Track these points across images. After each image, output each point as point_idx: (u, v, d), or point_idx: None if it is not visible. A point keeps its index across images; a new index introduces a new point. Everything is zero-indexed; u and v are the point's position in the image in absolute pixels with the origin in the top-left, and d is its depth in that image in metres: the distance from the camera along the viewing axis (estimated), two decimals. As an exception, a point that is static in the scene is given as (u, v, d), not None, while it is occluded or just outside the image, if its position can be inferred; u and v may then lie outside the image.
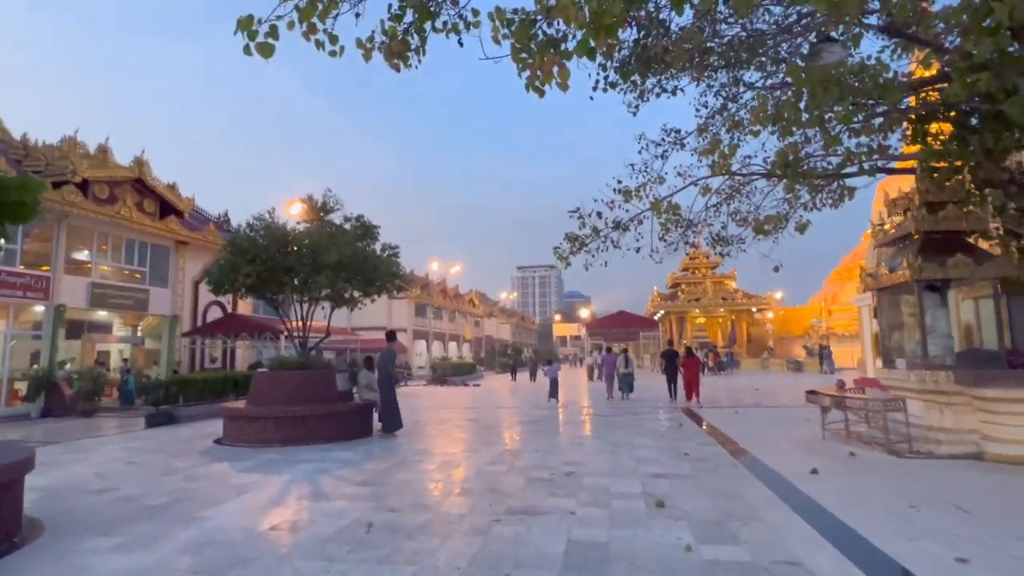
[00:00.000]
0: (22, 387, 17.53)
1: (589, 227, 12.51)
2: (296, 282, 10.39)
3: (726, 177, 11.98)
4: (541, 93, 5.42)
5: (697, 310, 49.76)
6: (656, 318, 49.75)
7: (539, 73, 4.94)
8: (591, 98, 9.78)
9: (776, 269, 12.10)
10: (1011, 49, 6.94)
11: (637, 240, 12.66)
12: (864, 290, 9.95)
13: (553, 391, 17.65)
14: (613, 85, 9.83)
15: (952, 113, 8.62)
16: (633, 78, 10.99)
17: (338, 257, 10.05)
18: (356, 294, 11.42)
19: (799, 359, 37.54)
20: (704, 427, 10.81)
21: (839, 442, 8.62)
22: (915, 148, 8.76)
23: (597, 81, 9.66)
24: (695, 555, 4.04)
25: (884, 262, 8.82)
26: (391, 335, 11.56)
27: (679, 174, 12.32)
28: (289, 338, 11.44)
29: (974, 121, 8.36)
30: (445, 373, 31.29)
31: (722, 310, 50.03)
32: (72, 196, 19.13)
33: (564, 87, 4.57)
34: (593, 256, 12.76)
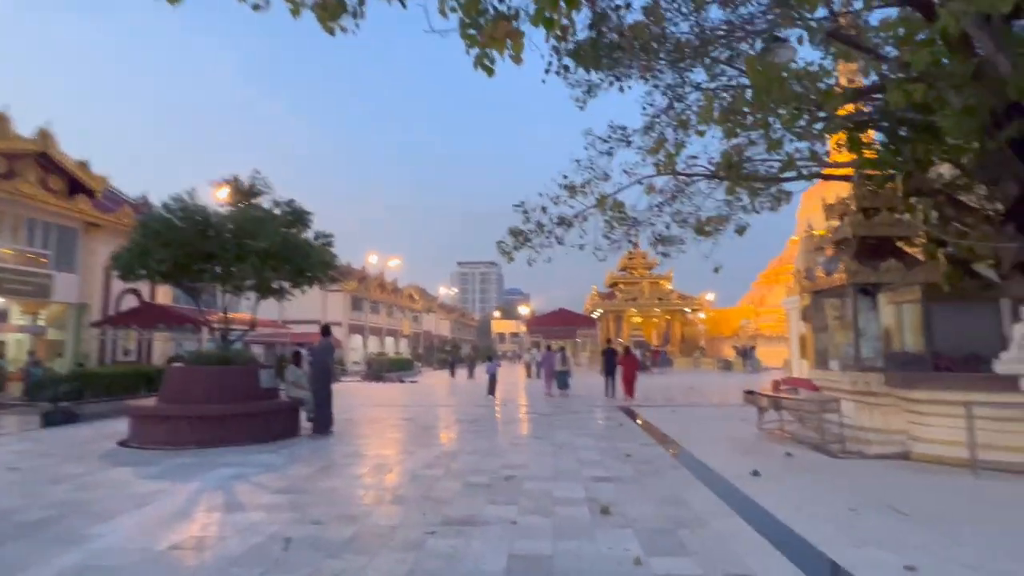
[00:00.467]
0: None
1: (534, 222, 12.27)
2: (218, 270, 9.55)
3: (670, 176, 12.00)
4: (490, 71, 5.05)
5: (634, 309, 50.80)
6: (594, 316, 50.43)
7: (488, 51, 4.56)
8: (543, 81, 9.52)
9: (716, 270, 12.23)
10: (944, 62, 7.13)
11: (581, 237, 12.53)
12: (800, 292, 10.16)
13: (491, 388, 18.00)
14: (567, 68, 9.62)
15: (885, 123, 8.88)
16: (585, 66, 10.89)
17: (265, 243, 9.31)
18: (285, 284, 10.67)
19: (728, 359, 38.92)
20: (644, 426, 10.76)
21: (775, 442, 8.72)
22: (848, 156, 8.98)
23: (550, 63, 9.42)
24: (645, 569, 3.78)
25: (820, 265, 8.99)
26: (326, 329, 10.90)
27: (625, 171, 12.26)
28: (210, 330, 10.55)
29: (904, 132, 8.63)
30: (381, 369, 30.41)
31: (657, 310, 51.30)
32: (-39, 168, 17.18)
33: (517, 59, 4.20)
34: (537, 252, 12.52)
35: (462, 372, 33.68)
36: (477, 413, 13.33)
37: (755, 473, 6.48)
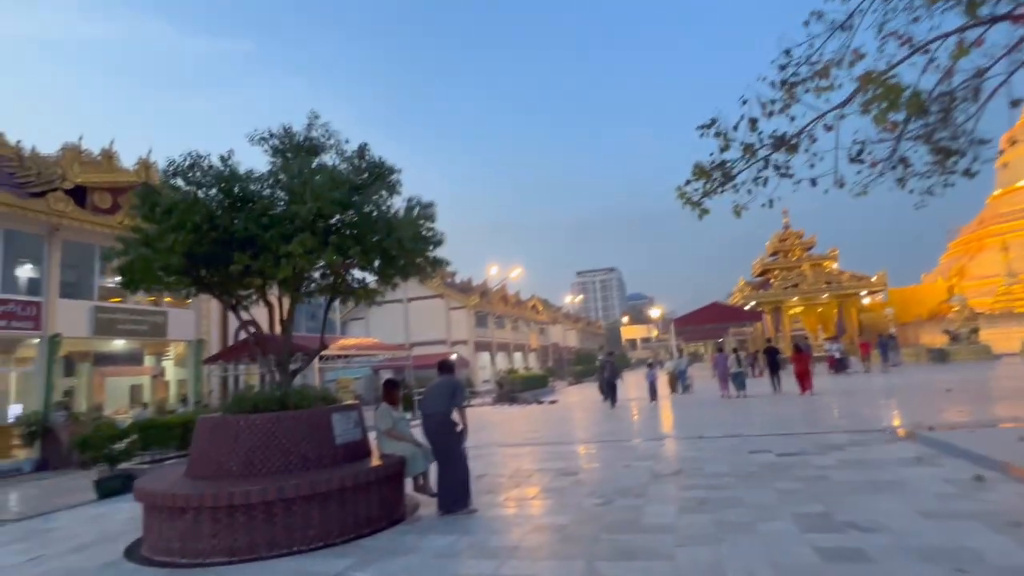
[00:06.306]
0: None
1: (738, 144, 7.74)
2: (261, 259, 6.01)
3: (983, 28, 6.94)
4: None
5: (796, 298, 43.03)
6: (746, 309, 43.40)
7: None
8: None
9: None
10: None
11: (812, 165, 7.80)
12: None
13: (653, 395, 18.49)
14: None
15: None
16: None
17: (320, 208, 5.67)
18: (369, 279, 7.06)
19: (941, 347, 30.47)
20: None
21: None
22: None
23: None
24: None
25: None
26: (445, 366, 6.58)
27: (892, 34, 7.36)
28: (264, 359, 7.17)
29: None
30: (514, 389, 26.68)
31: (825, 296, 43.03)
32: (60, 204, 16.02)
33: None
34: (748, 193, 7.97)
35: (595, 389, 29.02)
36: (670, 455, 8.77)
37: None
